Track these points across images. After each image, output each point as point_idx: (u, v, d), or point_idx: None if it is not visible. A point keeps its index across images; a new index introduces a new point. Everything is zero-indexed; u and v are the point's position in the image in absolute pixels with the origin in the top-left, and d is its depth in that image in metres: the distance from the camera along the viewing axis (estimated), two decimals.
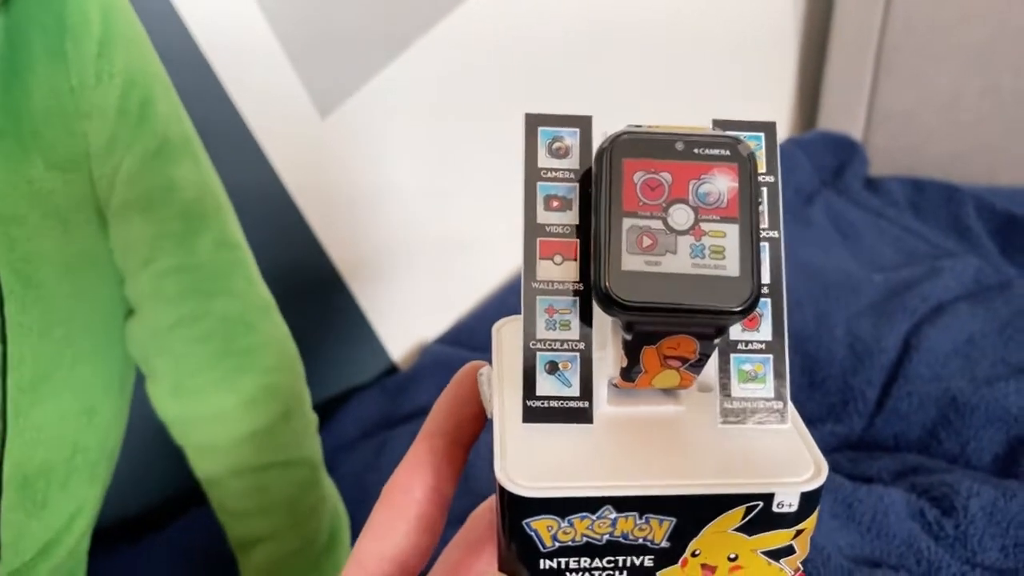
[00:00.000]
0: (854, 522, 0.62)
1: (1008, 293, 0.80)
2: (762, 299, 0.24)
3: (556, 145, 0.26)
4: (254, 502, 0.62)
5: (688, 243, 0.23)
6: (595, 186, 0.24)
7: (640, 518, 0.24)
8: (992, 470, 0.67)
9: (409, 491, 0.26)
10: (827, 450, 0.73)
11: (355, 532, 0.70)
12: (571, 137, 0.26)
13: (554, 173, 0.25)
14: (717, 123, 0.26)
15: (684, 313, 0.23)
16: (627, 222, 0.23)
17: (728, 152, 0.23)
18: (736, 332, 0.25)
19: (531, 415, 0.25)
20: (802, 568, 0.25)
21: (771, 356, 0.25)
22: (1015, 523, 0.60)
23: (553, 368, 0.25)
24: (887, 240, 0.96)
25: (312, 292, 0.88)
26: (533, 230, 0.25)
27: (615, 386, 0.26)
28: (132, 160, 0.54)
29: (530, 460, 0.24)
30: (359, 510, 0.73)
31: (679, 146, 0.24)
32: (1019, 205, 0.95)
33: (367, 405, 0.91)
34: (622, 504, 0.23)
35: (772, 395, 0.25)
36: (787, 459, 0.24)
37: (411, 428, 0.84)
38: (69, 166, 0.51)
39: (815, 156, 1.12)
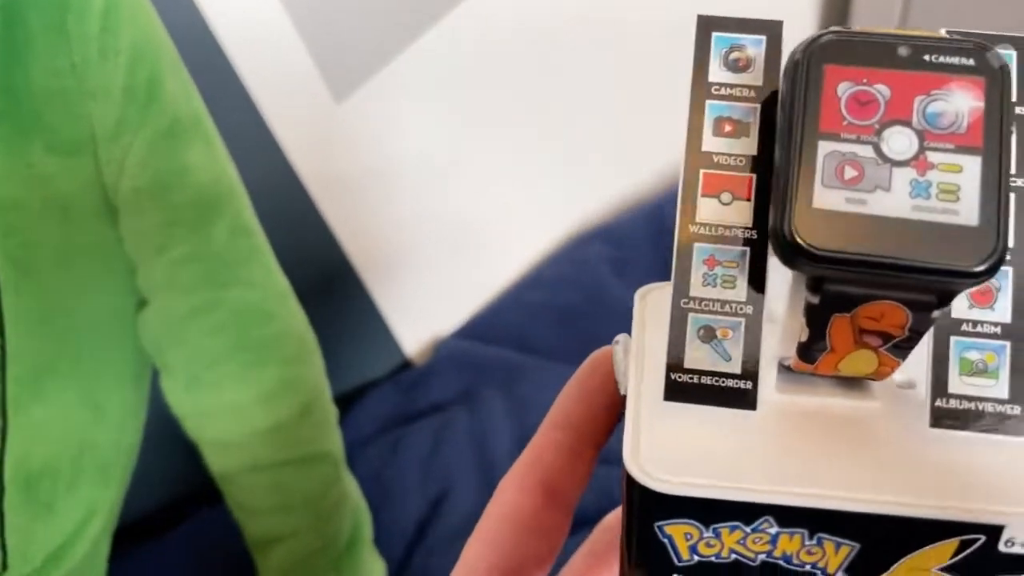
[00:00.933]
0: None
1: None
2: (1002, 267, 0.18)
3: (735, 55, 0.21)
4: (273, 500, 0.60)
5: (909, 177, 0.18)
6: (783, 103, 0.19)
7: (811, 538, 0.19)
8: None
9: (524, 491, 0.22)
10: None
11: (375, 530, 0.68)
12: (755, 47, 0.21)
13: (730, 90, 0.20)
14: (951, 33, 0.19)
15: (898, 270, 0.17)
16: (825, 146, 0.18)
17: (973, 62, 0.18)
18: (961, 308, 0.19)
19: (676, 392, 0.20)
20: None
21: (1008, 343, 0.19)
22: None
23: (709, 335, 0.20)
24: None
25: (325, 285, 0.86)
26: (696, 159, 0.20)
27: (788, 368, 0.21)
28: (142, 143, 0.52)
29: (671, 449, 0.19)
30: (377, 507, 0.71)
31: (903, 51, 0.18)
32: None
33: (381, 401, 0.89)
34: (789, 516, 0.19)
35: (1006, 396, 0.19)
36: (1022, 483, 0.18)
37: (427, 424, 0.82)
38: (72, 149, 0.48)
39: None
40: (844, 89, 0.18)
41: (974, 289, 0.18)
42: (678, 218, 0.20)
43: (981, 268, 0.17)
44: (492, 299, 1.00)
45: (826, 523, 0.18)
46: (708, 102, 0.21)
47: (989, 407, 0.19)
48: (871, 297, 0.18)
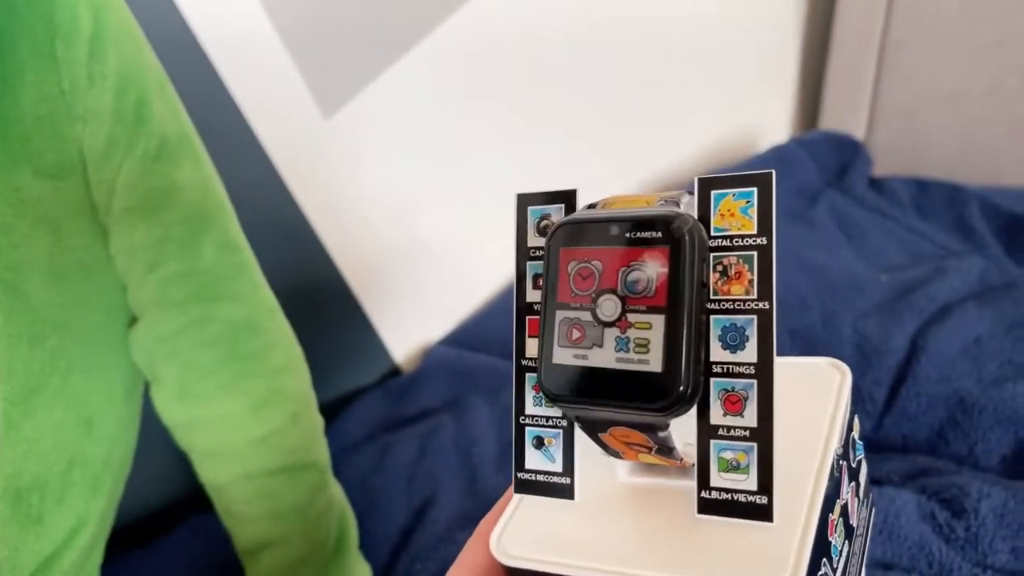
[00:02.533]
0: None
1: (1014, 293, 0.80)
2: (747, 380, 0.22)
3: (544, 223, 0.26)
4: (262, 507, 0.61)
5: (615, 335, 0.23)
6: (544, 277, 0.24)
7: None
8: (1000, 471, 0.67)
9: None
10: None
11: (360, 535, 0.69)
12: (557, 213, 0.26)
13: (540, 251, 0.25)
14: (702, 182, 0.24)
15: (605, 409, 0.23)
16: (560, 314, 0.23)
17: (660, 233, 0.22)
18: (717, 415, 0.23)
19: (521, 486, 0.26)
20: None
21: (755, 445, 0.22)
22: None
23: (540, 443, 0.26)
24: (892, 240, 0.96)
25: (315, 294, 0.88)
26: (523, 308, 0.26)
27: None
28: (132, 163, 0.53)
29: (526, 529, 0.26)
30: (363, 513, 0.73)
31: (613, 230, 0.23)
32: (1023, 204, 0.95)
33: (370, 407, 0.90)
34: None
35: (755, 487, 0.22)
36: (760, 561, 0.22)
37: (415, 430, 0.83)
38: (60, 173, 0.49)
39: (818, 156, 1.11)
40: (572, 267, 0.23)
41: (726, 399, 0.22)
42: (514, 354, 0.26)
43: (663, 404, 0.22)
44: (480, 306, 1.01)
45: None
46: (528, 262, 0.26)
47: (742, 498, 0.22)
48: (609, 422, 0.23)
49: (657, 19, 1.05)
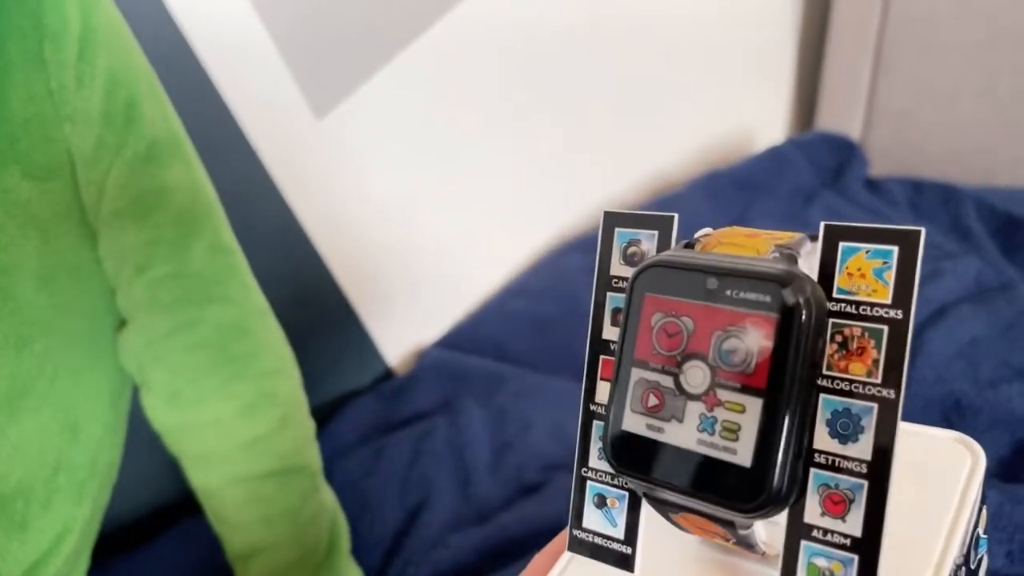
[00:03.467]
0: None
1: (1010, 294, 0.80)
2: (856, 479, 0.18)
3: (632, 250, 0.22)
4: (253, 512, 0.61)
5: (699, 411, 0.19)
6: (621, 324, 0.21)
7: None
8: (996, 473, 0.67)
9: None
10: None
11: (353, 539, 0.69)
12: (648, 241, 0.22)
13: (624, 282, 0.22)
14: (829, 229, 0.19)
15: (680, 492, 0.19)
16: (636, 373, 0.20)
17: (769, 297, 0.18)
18: (814, 513, 0.19)
19: (576, 546, 0.23)
20: None
21: (857, 558, 0.18)
22: (1021, 528, 0.59)
23: (602, 502, 0.23)
24: None
25: (307, 296, 0.87)
26: (597, 345, 0.22)
27: None
28: (122, 165, 0.52)
29: None
30: (356, 517, 0.72)
31: (712, 284, 0.19)
32: (1019, 205, 0.94)
33: (364, 410, 0.90)
34: None
35: None
36: None
37: (408, 433, 0.83)
38: (48, 175, 0.49)
39: (814, 157, 1.11)
40: (657, 320, 0.20)
41: (827, 496, 0.19)
42: (582, 397, 0.22)
43: (749, 507, 0.18)
44: (473, 309, 1.01)
45: None
46: (609, 293, 0.22)
47: None
48: (681, 507, 0.20)
49: (654, 18, 1.05)
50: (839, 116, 1.19)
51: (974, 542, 0.24)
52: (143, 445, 0.67)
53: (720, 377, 0.19)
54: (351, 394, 0.93)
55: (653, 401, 0.20)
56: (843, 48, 1.16)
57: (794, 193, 1.08)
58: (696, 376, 0.19)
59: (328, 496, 0.66)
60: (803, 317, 0.18)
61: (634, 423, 0.20)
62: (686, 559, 0.23)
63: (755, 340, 0.18)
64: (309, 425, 0.65)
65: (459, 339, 0.96)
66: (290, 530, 0.61)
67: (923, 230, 0.19)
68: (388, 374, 0.97)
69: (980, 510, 0.24)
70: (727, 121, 1.22)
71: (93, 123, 0.51)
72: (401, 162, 0.89)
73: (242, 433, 0.59)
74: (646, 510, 0.22)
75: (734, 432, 0.18)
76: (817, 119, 1.22)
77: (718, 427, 0.19)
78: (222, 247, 0.59)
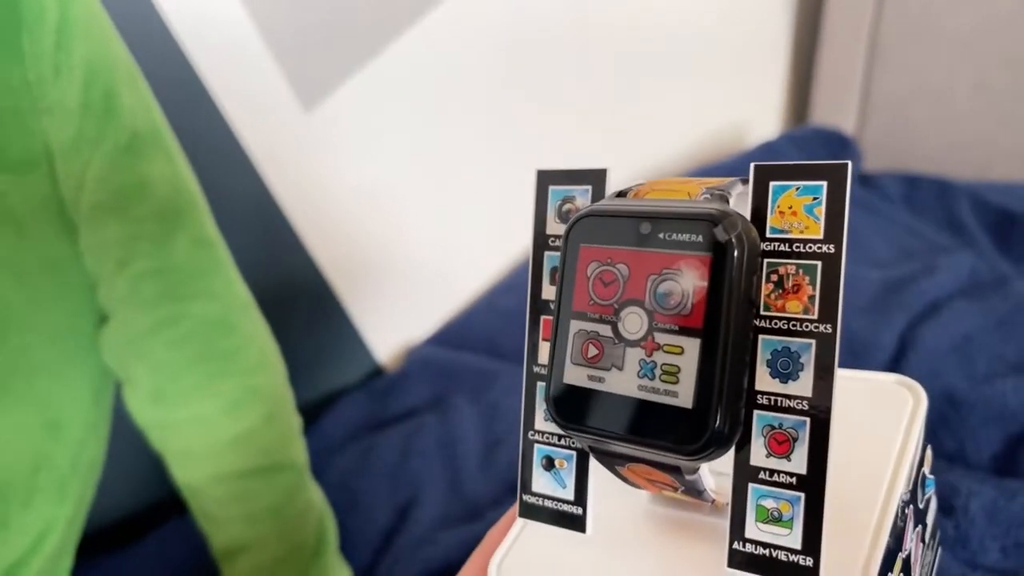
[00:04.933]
0: None
1: (1004, 289, 0.79)
2: (798, 417, 0.18)
3: (566, 207, 0.22)
4: (238, 509, 0.60)
5: (638, 357, 0.19)
6: (558, 279, 0.21)
7: None
8: (991, 468, 0.66)
9: None
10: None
11: (342, 536, 0.68)
12: (582, 197, 0.22)
13: (559, 241, 0.22)
14: (759, 170, 0.19)
15: (624, 442, 0.19)
16: (575, 325, 0.20)
17: (700, 237, 0.18)
18: (759, 455, 0.19)
19: (527, 511, 0.23)
20: None
21: (803, 496, 0.18)
22: (1015, 523, 0.58)
23: (550, 464, 0.22)
24: (882, 236, 0.95)
25: (296, 293, 0.86)
26: (537, 306, 0.22)
27: None
28: (101, 157, 0.52)
29: (529, 557, 0.23)
30: (345, 514, 0.72)
31: (644, 228, 0.19)
32: (1013, 200, 0.94)
33: (353, 408, 0.89)
34: None
35: (799, 546, 0.18)
36: None
37: (398, 431, 0.82)
38: (24, 168, 0.48)
39: (808, 152, 1.10)
40: (593, 269, 0.19)
41: (771, 437, 0.19)
42: (525, 359, 0.22)
43: (693, 448, 0.18)
44: (464, 305, 1.00)
45: None
46: (546, 253, 0.22)
47: (782, 555, 0.19)
48: (628, 458, 0.20)
49: (645, 13, 1.04)
50: (833, 110, 1.18)
51: (921, 481, 0.24)
52: (127, 444, 0.66)
53: (657, 321, 0.19)
54: (341, 391, 0.93)
55: (593, 351, 0.20)
56: (837, 42, 1.15)
57: None
58: (634, 322, 0.19)
59: (316, 493, 0.65)
60: (735, 253, 0.18)
61: (575, 375, 0.20)
62: (637, 517, 0.23)
63: (690, 281, 0.18)
64: (295, 421, 0.64)
65: (449, 336, 0.95)
66: (276, 527, 0.60)
67: (849, 163, 0.19)
68: (378, 371, 0.96)
69: (924, 450, 0.24)
70: (721, 116, 1.21)
71: (71, 115, 0.50)
72: (390, 156, 0.88)
73: (227, 429, 0.59)
74: (595, 469, 0.22)
75: (674, 375, 0.18)
76: (811, 113, 1.22)
77: (658, 371, 0.19)
78: (205, 241, 0.59)
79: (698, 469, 0.20)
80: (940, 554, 0.27)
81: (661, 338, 0.19)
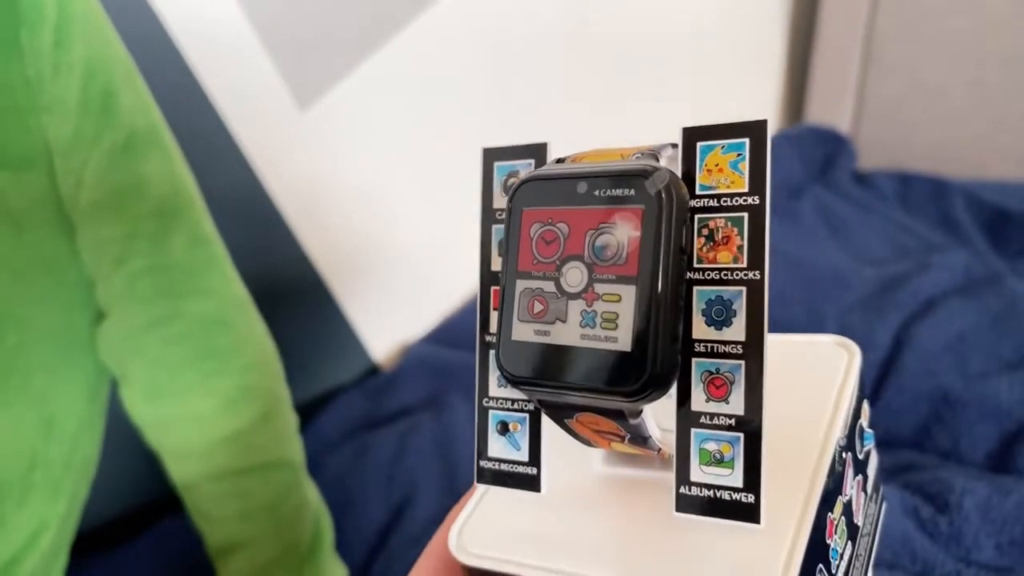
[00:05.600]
0: None
1: (998, 287, 0.79)
2: (733, 361, 0.20)
3: (511, 181, 0.23)
4: (233, 507, 0.60)
5: (580, 308, 0.20)
6: (503, 242, 0.22)
7: None
8: (984, 466, 0.66)
9: None
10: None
11: (337, 535, 0.68)
12: (526, 170, 0.23)
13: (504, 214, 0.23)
14: (687, 132, 0.21)
15: (570, 390, 0.20)
16: (521, 284, 0.21)
17: (632, 191, 0.19)
18: (699, 401, 0.20)
19: (483, 476, 0.24)
20: None
21: (742, 436, 0.19)
22: (1010, 520, 0.58)
23: (504, 428, 0.23)
24: (876, 234, 0.95)
25: (292, 291, 0.86)
26: (487, 278, 0.23)
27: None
28: (100, 155, 0.52)
29: (486, 525, 0.24)
30: (340, 513, 0.72)
31: (581, 188, 0.20)
32: (1007, 198, 0.94)
33: (349, 406, 0.89)
34: None
35: (740, 484, 0.19)
36: (744, 567, 0.20)
37: (393, 429, 0.82)
38: (23, 165, 0.48)
39: (803, 150, 1.11)
40: (535, 230, 0.21)
41: (709, 382, 0.20)
42: (478, 328, 0.23)
43: (632, 389, 0.19)
44: (461, 303, 1.00)
45: None
46: (494, 226, 0.23)
47: (725, 495, 0.20)
48: (574, 408, 0.21)
49: (641, 11, 1.05)
50: (828, 109, 1.19)
51: (859, 432, 0.25)
52: (122, 443, 0.66)
53: (596, 273, 0.20)
54: (336, 390, 0.93)
55: (538, 307, 0.20)
56: (832, 41, 1.16)
57: (783, 187, 1.07)
58: (575, 276, 0.20)
59: (311, 491, 0.65)
60: (665, 204, 0.19)
61: (523, 332, 0.21)
62: (591, 480, 0.24)
63: (624, 232, 0.19)
64: (292, 419, 0.64)
65: (445, 334, 0.95)
66: (272, 525, 0.60)
67: (767, 119, 0.20)
68: (374, 370, 0.96)
69: (861, 403, 0.25)
70: (716, 114, 1.21)
71: (70, 112, 0.50)
72: (387, 154, 0.88)
73: (223, 427, 0.59)
74: (547, 429, 0.23)
75: (613, 321, 0.19)
76: (806, 112, 1.22)
77: (598, 319, 0.20)
78: (202, 239, 0.59)
79: (640, 412, 0.20)
80: (886, 510, 0.28)
81: (600, 288, 0.20)
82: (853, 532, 0.24)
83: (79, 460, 0.55)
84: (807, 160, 1.10)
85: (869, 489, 0.26)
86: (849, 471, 0.24)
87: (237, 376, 0.59)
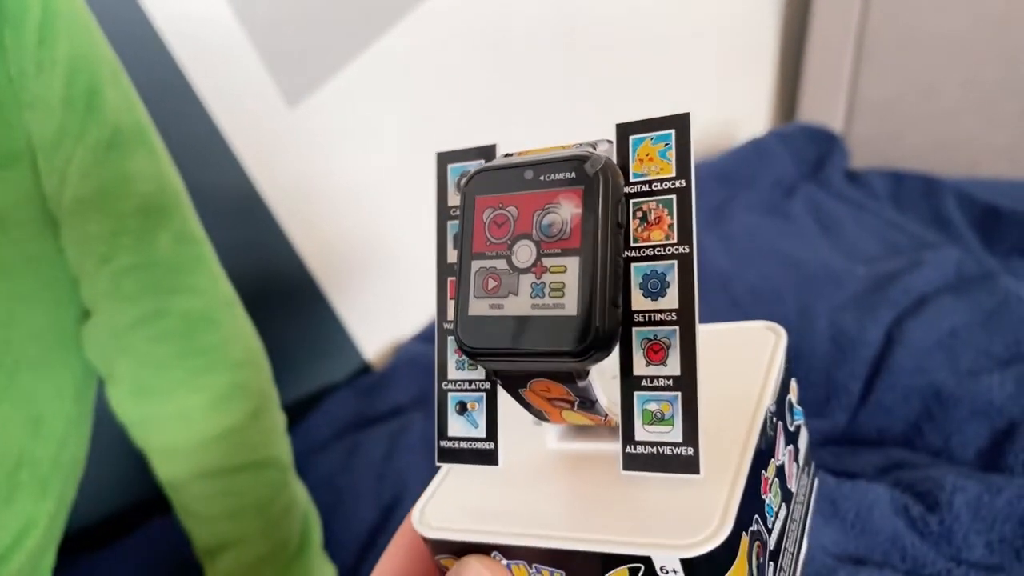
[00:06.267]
0: (838, 518, 0.60)
1: (990, 285, 0.79)
2: (669, 327, 0.22)
3: (463, 180, 0.24)
4: (221, 506, 0.60)
5: (530, 281, 0.22)
6: (459, 231, 0.23)
7: (530, 567, 0.23)
8: (975, 464, 0.66)
9: None
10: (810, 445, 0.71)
11: (327, 535, 0.68)
12: None
13: (458, 210, 0.25)
14: (620, 127, 0.23)
15: (523, 357, 0.22)
16: (475, 264, 0.23)
17: (573, 174, 0.22)
18: (640, 366, 0.22)
19: (443, 455, 0.25)
20: None
21: (679, 394, 0.21)
22: (1000, 518, 0.58)
23: (463, 408, 0.24)
24: (868, 232, 0.95)
25: (282, 290, 0.86)
26: (444, 270, 0.25)
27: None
28: (84, 152, 0.51)
29: (448, 502, 0.25)
30: (331, 513, 0.71)
31: (528, 174, 0.22)
32: (999, 196, 0.94)
33: (339, 405, 0.89)
34: (509, 552, 0.23)
35: (680, 439, 0.21)
36: (688, 512, 0.21)
37: (384, 428, 0.82)
38: (7, 162, 0.48)
39: (795, 149, 1.11)
40: (487, 215, 0.23)
41: (648, 348, 0.22)
42: (436, 317, 0.25)
43: (580, 348, 0.21)
44: None
45: (535, 556, 0.22)
46: (448, 222, 0.25)
47: (667, 450, 0.22)
48: (528, 375, 0.22)
49: (633, 10, 1.04)
50: (821, 108, 1.19)
51: (788, 405, 0.27)
52: (109, 445, 0.66)
53: (544, 248, 0.22)
54: (328, 389, 0.92)
55: (492, 284, 0.22)
56: (825, 40, 1.16)
57: (775, 185, 1.07)
58: (524, 253, 0.22)
59: (300, 490, 0.65)
60: (602, 183, 0.21)
61: (479, 307, 0.22)
62: (544, 457, 0.26)
63: (567, 210, 0.21)
64: (280, 418, 0.63)
65: None
66: (260, 524, 0.60)
67: (690, 112, 0.22)
68: (365, 368, 0.96)
69: (789, 379, 0.28)
70: (709, 113, 1.21)
71: (54, 110, 0.50)
72: (376, 152, 0.88)
73: (210, 425, 0.58)
74: (507, 413, 0.24)
75: (560, 290, 0.21)
76: (799, 111, 1.22)
77: (547, 289, 0.21)
78: (189, 237, 0.58)
79: (588, 374, 0.22)
80: (818, 485, 0.31)
81: (548, 261, 0.22)
82: (787, 497, 0.26)
83: (67, 459, 0.55)
84: (799, 159, 1.10)
85: (801, 461, 0.28)
86: (781, 439, 0.26)
87: (224, 374, 0.59)
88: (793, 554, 0.26)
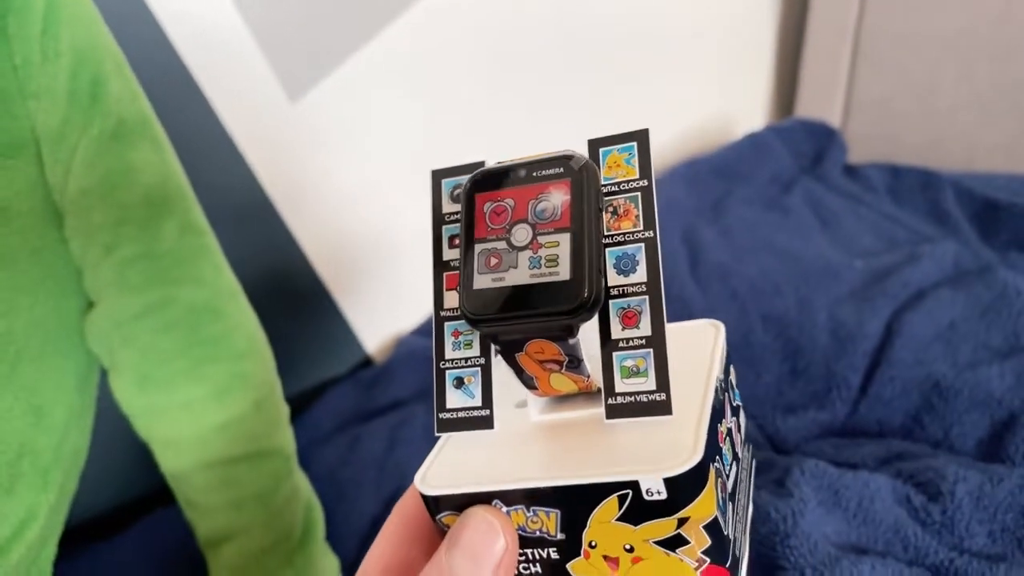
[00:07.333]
0: (840, 508, 0.61)
1: (988, 277, 0.80)
2: (640, 297, 0.26)
3: (456, 192, 0.29)
4: (224, 496, 0.60)
5: (528, 256, 0.26)
6: (461, 223, 0.27)
7: (528, 511, 0.26)
8: (975, 455, 0.66)
9: None
10: (810, 437, 0.71)
11: (329, 527, 0.68)
12: None
13: (455, 216, 0.29)
14: (591, 142, 0.28)
15: (524, 319, 0.25)
16: (478, 247, 0.26)
17: (561, 169, 0.26)
18: (617, 330, 0.26)
19: (443, 426, 0.28)
20: (708, 560, 0.25)
21: (651, 350, 0.26)
22: (1002, 508, 0.59)
23: (460, 383, 0.28)
24: (866, 226, 0.96)
25: (284, 283, 0.86)
26: (440, 266, 0.28)
27: (538, 397, 0.29)
28: (88, 144, 0.52)
29: (447, 467, 0.28)
30: (332, 505, 0.71)
31: (521, 173, 0.27)
32: (997, 190, 0.95)
33: (341, 398, 0.89)
34: (508, 498, 0.26)
35: (654, 387, 0.25)
36: (664, 447, 0.25)
37: (385, 421, 0.82)
38: (11, 152, 0.48)
39: (793, 143, 1.11)
40: (487, 207, 0.27)
41: (623, 316, 0.26)
42: (433, 308, 0.28)
43: (574, 306, 0.25)
44: None
45: (532, 498, 0.25)
46: (444, 226, 0.29)
47: (643, 397, 0.26)
48: (525, 337, 0.26)
49: (632, 6, 1.05)
50: (818, 104, 1.19)
51: (730, 385, 0.31)
52: (111, 438, 0.66)
53: (539, 229, 0.26)
54: (329, 382, 0.92)
55: (494, 261, 0.26)
56: (822, 36, 1.16)
57: (773, 180, 1.07)
58: (522, 234, 0.26)
59: (302, 481, 0.65)
60: (586, 175, 0.26)
61: (482, 282, 0.26)
62: (533, 427, 0.29)
63: (558, 198, 0.26)
64: (282, 408, 0.63)
65: None
66: (262, 515, 0.60)
67: (648, 129, 0.27)
68: (366, 361, 0.96)
69: (729, 365, 0.32)
70: (707, 109, 1.22)
71: (58, 100, 0.50)
72: (377, 146, 0.88)
73: (213, 416, 0.58)
74: (498, 387, 0.28)
75: (555, 261, 0.25)
76: (796, 107, 1.22)
77: (543, 261, 0.25)
78: (193, 228, 0.58)
79: (577, 333, 0.26)
80: (755, 466, 0.35)
81: (543, 239, 0.26)
82: (736, 458, 0.29)
83: (68, 450, 0.55)
84: (797, 153, 1.11)
85: (743, 435, 0.32)
86: (728, 408, 0.30)
87: (228, 364, 0.59)
88: (745, 509, 0.30)
